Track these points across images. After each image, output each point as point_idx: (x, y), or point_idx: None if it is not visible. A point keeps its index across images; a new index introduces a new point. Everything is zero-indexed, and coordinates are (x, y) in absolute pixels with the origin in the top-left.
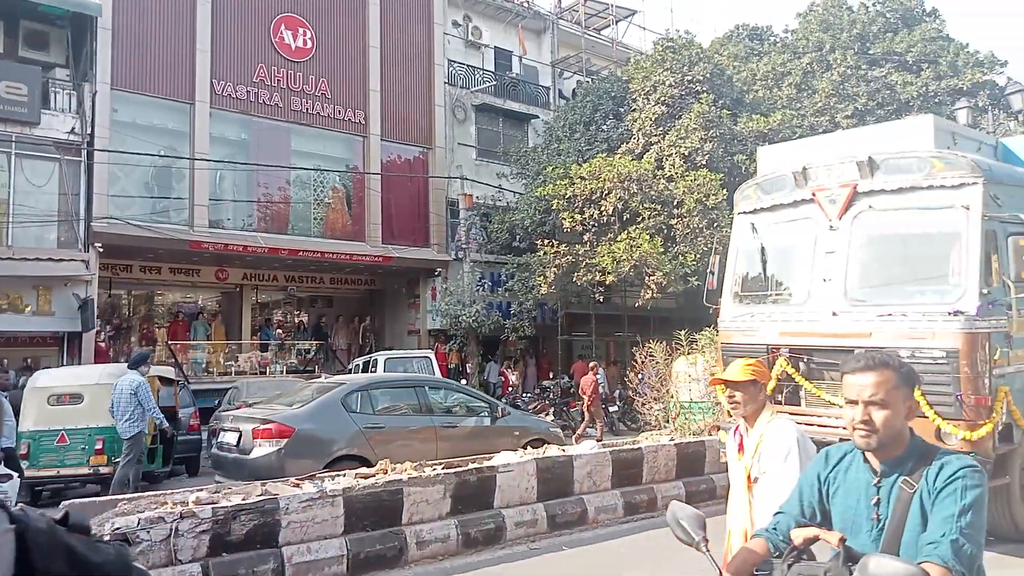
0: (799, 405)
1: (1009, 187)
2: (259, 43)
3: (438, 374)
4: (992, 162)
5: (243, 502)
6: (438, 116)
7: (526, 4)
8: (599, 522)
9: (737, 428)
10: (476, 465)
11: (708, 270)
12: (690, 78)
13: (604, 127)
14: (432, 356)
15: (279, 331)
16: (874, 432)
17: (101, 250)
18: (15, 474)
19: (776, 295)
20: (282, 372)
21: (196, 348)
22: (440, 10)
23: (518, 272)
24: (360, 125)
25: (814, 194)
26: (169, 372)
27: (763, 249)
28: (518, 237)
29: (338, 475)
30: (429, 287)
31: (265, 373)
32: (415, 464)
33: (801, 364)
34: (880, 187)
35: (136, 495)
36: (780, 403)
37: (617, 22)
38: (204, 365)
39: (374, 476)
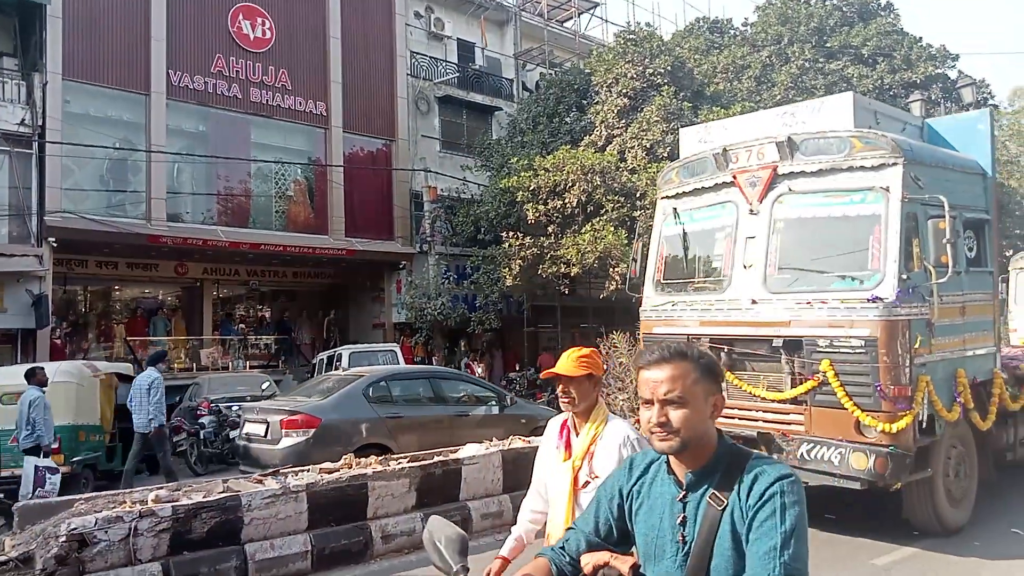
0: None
1: (931, 168)
2: (216, 33)
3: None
4: (914, 142)
5: (204, 500)
6: (401, 108)
7: None
8: None
9: (564, 424)
10: (441, 458)
11: (631, 257)
12: (651, 71)
13: (567, 119)
14: (398, 350)
15: (241, 326)
16: (673, 434)
17: (55, 245)
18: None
19: (698, 283)
20: (244, 367)
21: (156, 344)
22: (402, 1)
23: (483, 264)
24: (321, 117)
25: (735, 176)
26: (127, 369)
27: (685, 235)
28: (483, 229)
29: (302, 470)
30: (394, 280)
31: (227, 369)
32: (380, 458)
33: (723, 355)
34: (800, 168)
35: (93, 495)
36: None
37: (580, 14)
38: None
39: (338, 471)
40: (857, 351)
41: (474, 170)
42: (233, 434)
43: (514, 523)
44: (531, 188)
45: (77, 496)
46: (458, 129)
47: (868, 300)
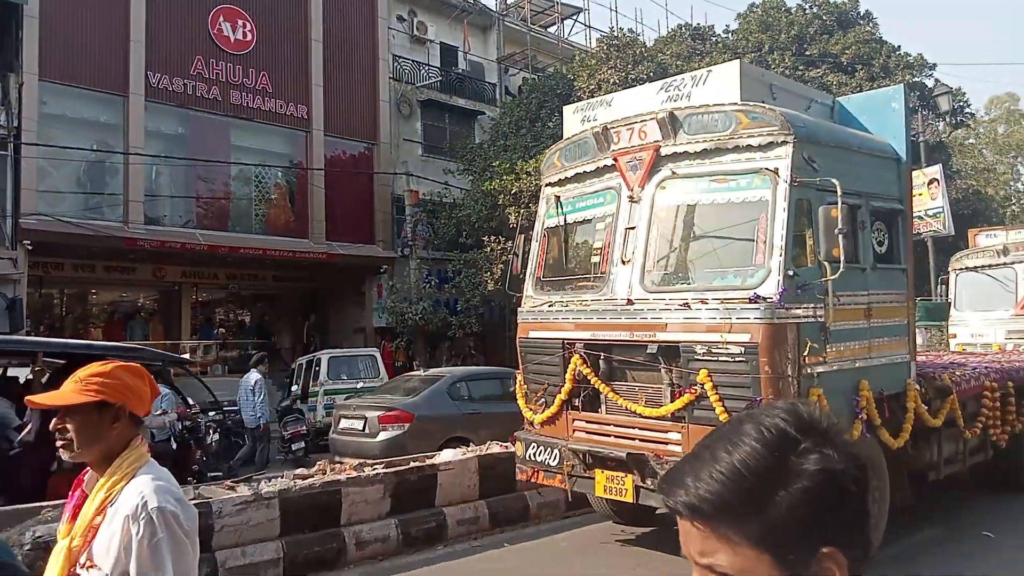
0: (598, 411)
1: (830, 149)
2: (196, 35)
3: (384, 372)
4: (809, 118)
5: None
6: (383, 111)
7: (472, 0)
8: (541, 518)
9: (80, 480)
10: (417, 464)
11: (511, 251)
12: (634, 76)
13: (550, 124)
14: (378, 355)
15: (221, 330)
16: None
17: (30, 248)
18: None
19: (577, 280)
20: (223, 372)
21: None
22: (384, 4)
23: (465, 268)
24: (303, 120)
25: (616, 159)
26: None
27: (567, 226)
28: (465, 233)
29: (275, 476)
30: (375, 284)
31: (206, 373)
32: (354, 464)
33: (602, 363)
34: (684, 149)
35: (60, 502)
36: (578, 409)
37: (563, 20)
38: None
39: (312, 477)
40: (736, 359)
41: (456, 174)
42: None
43: (491, 530)
44: (513, 192)
45: (44, 503)
46: (440, 133)
47: (749, 300)
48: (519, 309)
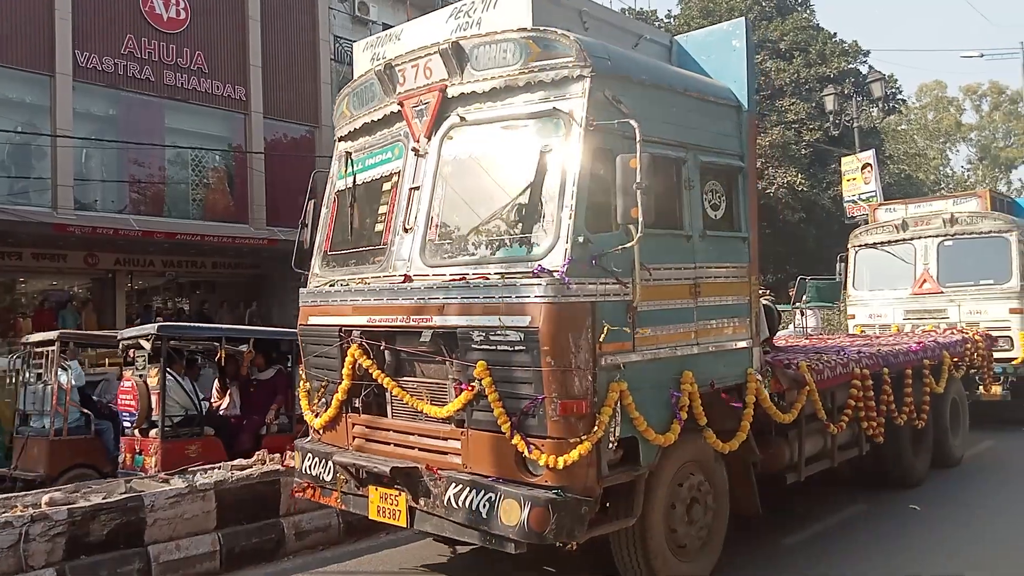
0: (385, 415)
1: (645, 89)
2: (127, 12)
3: None
4: (617, 49)
5: (103, 501)
6: (325, 94)
7: None
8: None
9: None
10: None
11: (300, 221)
12: None
13: None
14: None
15: (159, 318)
16: None
17: None
18: None
19: (362, 253)
20: None
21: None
22: None
23: None
24: (241, 102)
25: (402, 103)
26: None
27: (355, 187)
28: None
29: (212, 468)
30: None
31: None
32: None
33: (388, 355)
34: (472, 88)
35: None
36: (359, 413)
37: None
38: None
39: (250, 468)
40: (516, 348)
41: None
42: None
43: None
44: None
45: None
46: None
47: (532, 274)
48: (300, 290)
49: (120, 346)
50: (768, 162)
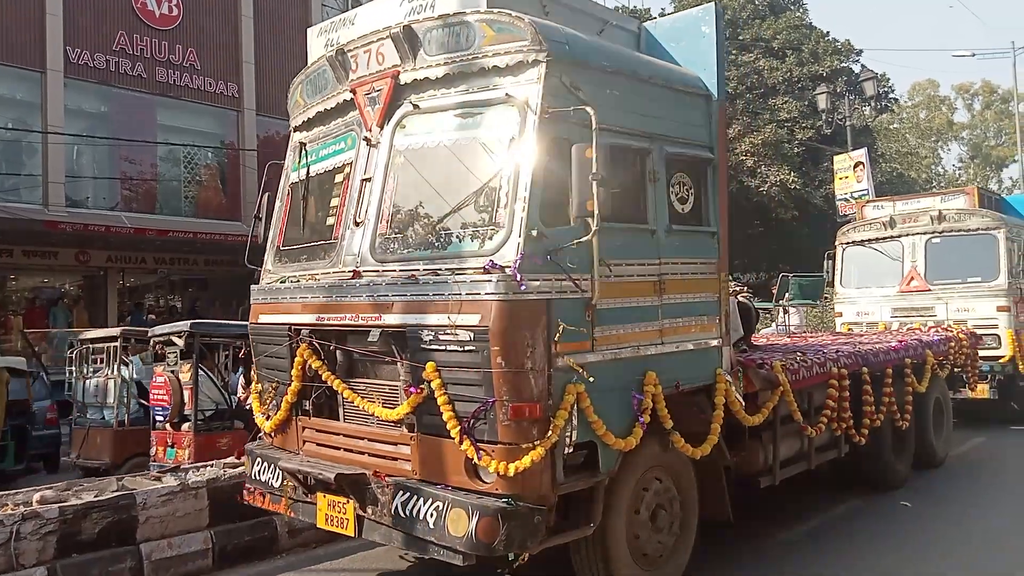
0: (337, 419)
1: (607, 75)
2: (118, 8)
3: None
4: (575, 33)
5: (95, 499)
6: None
7: None
8: None
9: None
10: None
11: (254, 214)
12: None
13: None
14: None
15: (151, 316)
16: None
17: None
18: None
19: (311, 248)
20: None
21: (56, 336)
22: None
23: None
24: (233, 99)
25: (354, 91)
26: (21, 363)
27: (308, 179)
28: None
29: (204, 466)
30: None
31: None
32: None
33: (339, 356)
34: (425, 74)
35: None
36: (308, 416)
37: None
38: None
39: (243, 465)
40: (466, 348)
41: None
42: None
43: None
44: None
45: None
46: None
47: (482, 270)
48: (252, 287)
49: (151, 343)
50: (761, 160)
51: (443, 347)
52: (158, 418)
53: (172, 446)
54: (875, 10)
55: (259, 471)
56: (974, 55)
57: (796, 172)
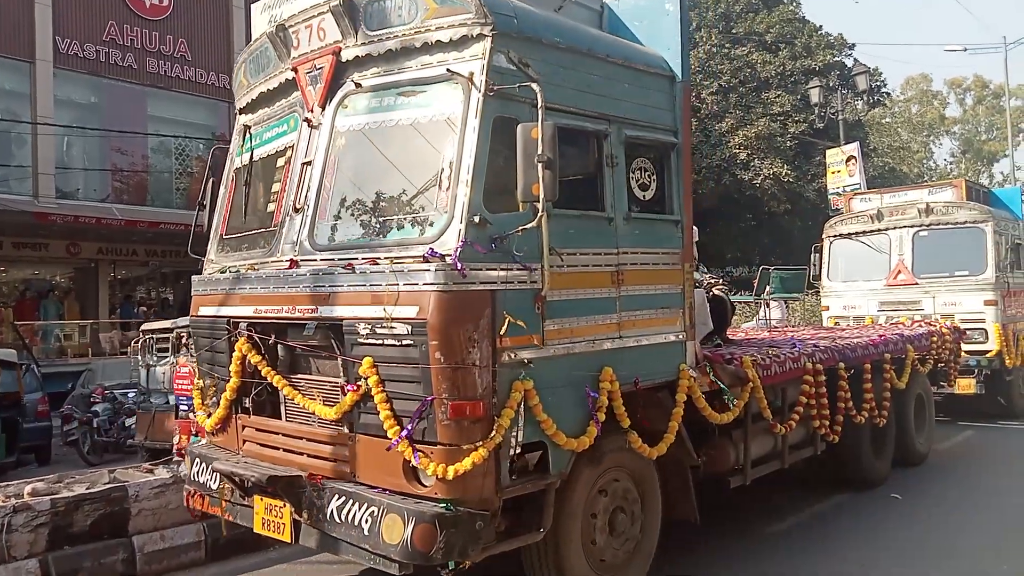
0: (279, 417)
1: (558, 51)
2: None
3: None
4: (524, 6)
5: (87, 492)
6: None
7: None
8: None
9: None
10: None
11: (199, 201)
12: None
13: None
14: None
15: (142, 309)
16: None
17: None
18: None
19: (253, 236)
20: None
21: (47, 328)
22: None
23: None
24: (225, 90)
25: (296, 69)
26: (11, 355)
27: (252, 164)
28: None
29: None
30: None
31: (126, 353)
32: None
33: (281, 350)
34: (367, 51)
35: None
36: (248, 414)
37: None
38: (57, 346)
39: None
40: (404, 343)
41: None
42: (129, 422)
43: None
44: None
45: None
46: None
47: (421, 259)
48: (193, 278)
49: (174, 333)
50: (754, 154)
51: (380, 341)
52: (183, 407)
53: (196, 435)
54: (868, 4)
55: (197, 472)
56: (966, 50)
57: (789, 166)
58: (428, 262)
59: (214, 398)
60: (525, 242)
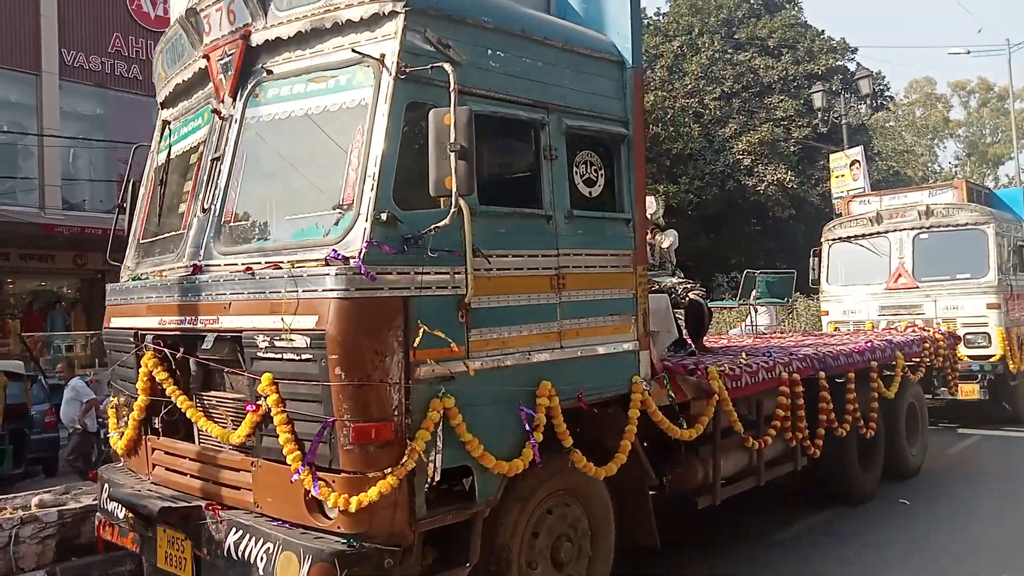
0: (192, 440)
1: (486, 32)
2: (113, 10)
3: None
4: None
5: (94, 503)
6: None
7: None
8: None
9: None
10: None
11: (118, 204)
12: None
13: None
14: None
15: None
16: None
17: None
18: None
19: (164, 240)
20: None
21: (54, 340)
22: None
23: None
24: None
25: (208, 56)
26: (18, 367)
27: (168, 163)
28: None
29: None
30: None
31: None
32: None
33: (193, 365)
34: (277, 33)
35: None
36: (157, 436)
37: None
38: (64, 358)
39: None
40: (303, 357)
41: None
42: None
43: None
44: None
45: None
46: None
47: (322, 262)
48: (107, 287)
49: None
50: (757, 159)
51: (280, 356)
52: None
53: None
54: (870, 8)
55: (106, 499)
56: (969, 52)
57: (792, 171)
58: (329, 265)
59: (125, 419)
60: (445, 243)
